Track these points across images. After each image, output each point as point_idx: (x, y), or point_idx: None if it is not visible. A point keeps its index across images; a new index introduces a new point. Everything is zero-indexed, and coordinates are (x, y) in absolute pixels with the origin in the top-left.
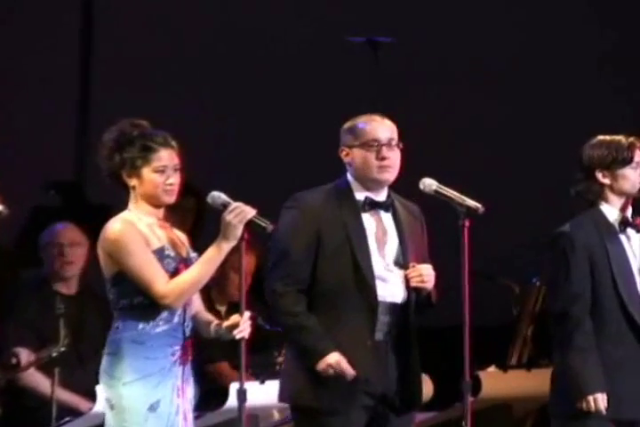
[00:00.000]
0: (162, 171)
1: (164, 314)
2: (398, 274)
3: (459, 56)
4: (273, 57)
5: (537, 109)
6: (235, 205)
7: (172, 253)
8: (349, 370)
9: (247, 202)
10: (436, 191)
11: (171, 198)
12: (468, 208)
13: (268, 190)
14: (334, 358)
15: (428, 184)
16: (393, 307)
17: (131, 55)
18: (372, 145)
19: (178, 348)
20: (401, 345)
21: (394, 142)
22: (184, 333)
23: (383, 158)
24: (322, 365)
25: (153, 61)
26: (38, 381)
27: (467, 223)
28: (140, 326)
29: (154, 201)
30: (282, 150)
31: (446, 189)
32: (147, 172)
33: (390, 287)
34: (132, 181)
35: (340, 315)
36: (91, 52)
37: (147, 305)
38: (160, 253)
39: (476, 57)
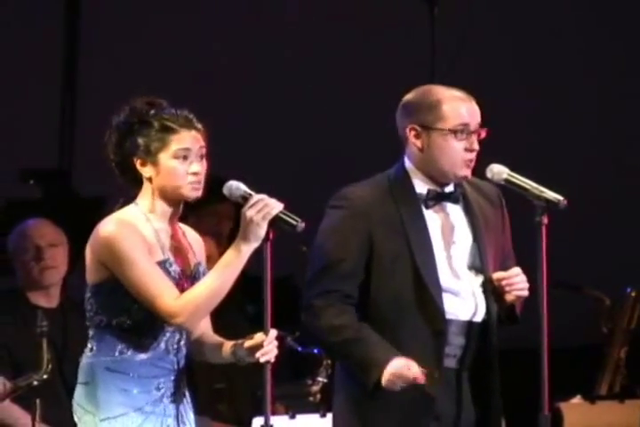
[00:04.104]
0: (183, 157)
1: (148, 340)
2: (474, 283)
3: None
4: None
5: None
6: (257, 197)
7: (176, 269)
8: (419, 375)
9: (272, 195)
10: (506, 180)
11: (196, 193)
12: (548, 201)
13: (298, 181)
14: (400, 363)
15: (498, 171)
16: (468, 326)
17: (123, 26)
18: (462, 131)
19: (163, 380)
20: (479, 374)
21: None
22: (174, 363)
23: (473, 150)
24: (387, 376)
25: (148, 33)
26: (16, 415)
27: (545, 220)
28: (118, 351)
29: (174, 196)
30: (317, 130)
31: (520, 177)
32: (164, 158)
33: (464, 301)
34: (147, 171)
35: (399, 341)
36: (77, 25)
37: (128, 328)
38: (161, 268)
39: None
